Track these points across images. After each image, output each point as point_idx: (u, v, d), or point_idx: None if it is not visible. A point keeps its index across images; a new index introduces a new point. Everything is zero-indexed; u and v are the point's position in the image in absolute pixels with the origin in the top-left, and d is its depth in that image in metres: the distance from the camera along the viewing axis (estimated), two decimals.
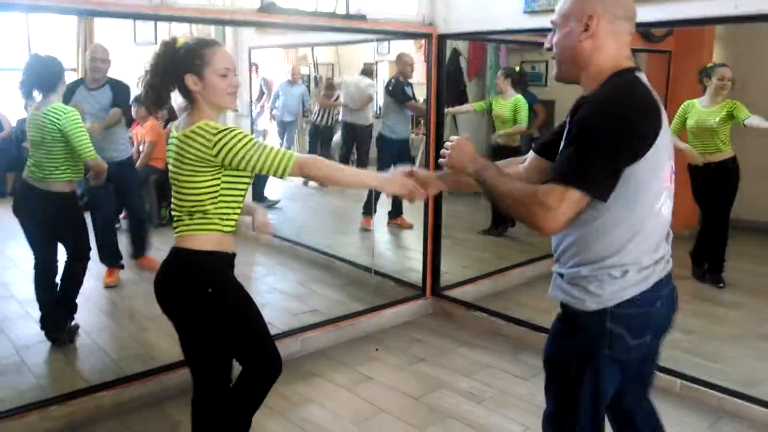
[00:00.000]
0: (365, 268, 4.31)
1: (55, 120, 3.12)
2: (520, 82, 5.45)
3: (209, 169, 1.86)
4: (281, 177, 1.86)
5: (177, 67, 1.89)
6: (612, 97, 1.46)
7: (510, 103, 5.23)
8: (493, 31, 3.69)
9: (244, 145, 1.82)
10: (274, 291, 4.34)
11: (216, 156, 1.82)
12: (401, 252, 5.29)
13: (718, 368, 3.12)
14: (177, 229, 1.96)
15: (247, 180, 1.95)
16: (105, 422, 2.73)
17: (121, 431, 2.68)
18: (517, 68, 5.71)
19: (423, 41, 4.00)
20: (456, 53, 6.29)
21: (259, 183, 5.82)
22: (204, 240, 1.93)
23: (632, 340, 1.56)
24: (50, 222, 3.27)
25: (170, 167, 1.94)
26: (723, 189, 4.19)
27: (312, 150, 6.93)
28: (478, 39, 5.20)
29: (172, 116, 6.02)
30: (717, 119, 4.07)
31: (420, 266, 4.02)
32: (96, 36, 7.03)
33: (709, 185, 4.20)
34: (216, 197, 1.89)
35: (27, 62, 3.25)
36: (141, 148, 5.54)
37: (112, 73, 4.10)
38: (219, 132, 1.83)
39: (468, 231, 5.41)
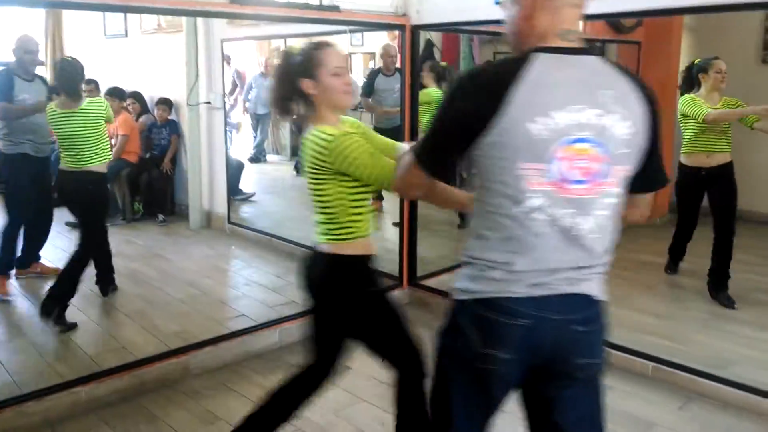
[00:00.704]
0: None
1: (101, 111, 3.65)
2: (444, 77, 5.45)
3: (330, 176, 1.85)
4: (387, 190, 1.84)
5: (293, 74, 1.89)
6: (461, 74, 1.42)
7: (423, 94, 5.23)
8: (465, 22, 3.71)
9: (357, 152, 1.79)
10: (251, 283, 4.33)
11: (332, 163, 1.81)
12: (378, 242, 5.29)
13: (687, 351, 3.19)
14: (321, 235, 1.95)
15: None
16: (81, 417, 2.71)
17: (98, 426, 2.67)
18: (444, 64, 5.74)
19: (397, 32, 4.01)
20: (430, 44, 6.30)
21: (234, 175, 5.78)
22: (348, 246, 1.94)
23: (482, 347, 1.37)
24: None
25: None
26: (729, 195, 3.86)
27: (299, 144, 6.88)
28: (451, 30, 5.21)
29: (144, 110, 5.97)
30: None
31: (397, 256, 4.04)
32: (65, 29, 6.91)
33: (714, 190, 3.89)
34: (344, 204, 1.88)
35: (61, 66, 3.75)
36: (114, 141, 5.47)
37: (86, 66, 4.03)
38: (334, 139, 1.81)
39: (445, 221, 5.44)
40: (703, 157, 3.89)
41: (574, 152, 1.29)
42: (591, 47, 1.37)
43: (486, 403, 1.45)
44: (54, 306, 3.47)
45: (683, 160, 4.00)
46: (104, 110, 3.68)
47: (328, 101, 1.91)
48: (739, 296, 3.79)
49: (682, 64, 5.59)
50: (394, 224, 5.18)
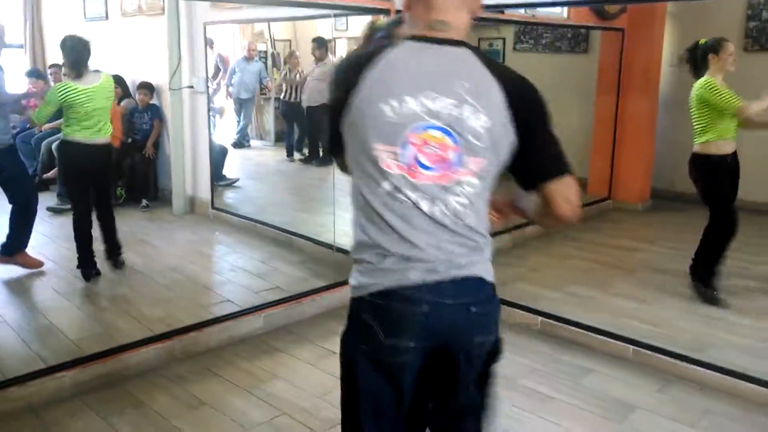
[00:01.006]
0: (327, 245, 4.32)
1: (112, 87, 4.04)
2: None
3: None
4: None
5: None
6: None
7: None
8: None
9: None
10: (236, 269, 4.32)
11: None
12: None
13: (667, 335, 3.25)
14: None
15: None
16: (66, 403, 2.70)
17: (83, 411, 2.66)
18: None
19: (382, 17, 4.00)
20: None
21: (218, 161, 5.75)
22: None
23: (386, 338, 1.38)
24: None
25: None
26: (736, 182, 3.69)
27: (290, 131, 6.87)
28: None
29: (125, 94, 5.89)
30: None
31: None
32: (44, 11, 6.80)
33: (733, 178, 3.68)
34: None
35: (71, 44, 3.82)
36: None
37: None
38: None
39: None
40: (729, 144, 3.59)
41: (426, 139, 1.32)
42: (459, 40, 1.36)
43: (396, 400, 1.43)
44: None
45: (710, 149, 3.59)
46: (112, 87, 4.05)
47: None
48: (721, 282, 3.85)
49: (665, 51, 5.65)
50: None
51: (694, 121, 3.64)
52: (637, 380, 2.94)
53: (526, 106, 1.35)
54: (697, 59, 3.66)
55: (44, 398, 2.69)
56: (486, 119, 1.31)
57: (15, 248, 3.94)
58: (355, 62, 1.37)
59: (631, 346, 3.12)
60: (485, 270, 1.41)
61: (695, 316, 3.55)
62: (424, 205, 1.34)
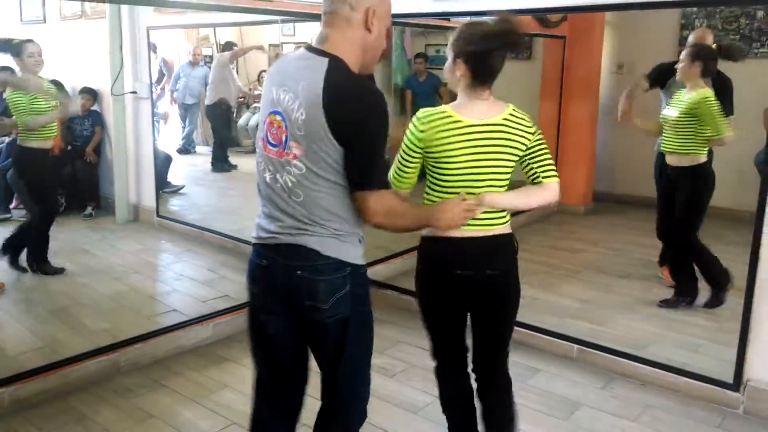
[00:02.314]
0: None
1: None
2: None
3: None
4: None
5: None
6: None
7: None
8: (398, 14, 3.73)
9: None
10: (182, 278, 4.25)
11: None
12: None
13: (610, 333, 3.35)
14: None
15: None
16: (6, 420, 2.61)
17: (24, 428, 2.57)
18: None
19: None
20: None
21: (162, 167, 5.63)
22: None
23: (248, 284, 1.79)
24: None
25: None
26: None
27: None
28: None
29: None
30: None
31: None
32: None
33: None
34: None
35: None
36: None
37: None
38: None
39: None
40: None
41: (272, 120, 1.65)
42: (327, 51, 1.61)
43: (265, 344, 1.79)
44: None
45: (706, 157, 3.51)
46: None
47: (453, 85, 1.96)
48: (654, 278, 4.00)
49: (604, 58, 5.83)
50: None
51: (680, 130, 3.48)
52: (582, 378, 3.03)
53: (340, 108, 1.55)
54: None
55: None
56: (303, 114, 1.57)
57: None
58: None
59: (576, 345, 3.21)
60: (323, 245, 1.63)
61: (637, 315, 3.67)
62: (268, 176, 1.67)
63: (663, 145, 3.59)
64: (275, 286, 1.68)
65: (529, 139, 1.91)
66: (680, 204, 3.56)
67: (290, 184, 1.62)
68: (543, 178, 1.94)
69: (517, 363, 3.16)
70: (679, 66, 3.46)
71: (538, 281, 4.17)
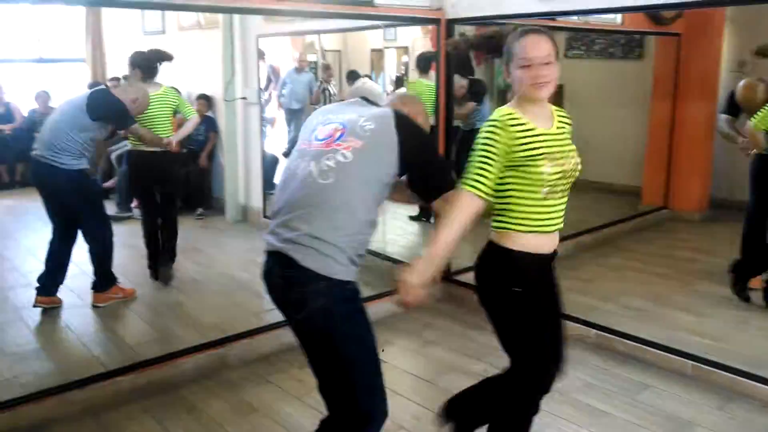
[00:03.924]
0: (375, 254, 4.33)
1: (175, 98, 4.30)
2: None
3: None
4: None
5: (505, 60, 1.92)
6: None
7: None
8: (503, 16, 3.68)
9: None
10: None
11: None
12: (411, 238, 5.31)
13: (728, 350, 3.13)
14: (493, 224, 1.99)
15: (537, 180, 1.85)
16: (123, 407, 2.78)
17: (140, 415, 2.73)
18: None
19: (431, 27, 4.00)
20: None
21: (269, 170, 5.84)
22: (507, 238, 1.94)
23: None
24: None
25: None
26: None
27: None
28: (487, 24, 5.19)
29: None
30: None
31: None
32: (104, 26, 7.05)
33: None
34: (506, 195, 1.91)
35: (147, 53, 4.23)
36: None
37: (124, 63, 4.17)
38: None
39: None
40: None
41: (326, 126, 1.85)
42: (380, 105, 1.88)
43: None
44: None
45: None
46: (178, 98, 4.30)
47: (517, 91, 1.91)
48: None
49: (724, 57, 5.47)
50: (411, 218, 5.18)
51: None
52: (696, 397, 2.85)
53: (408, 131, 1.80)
54: None
55: (103, 402, 2.78)
56: (372, 122, 1.77)
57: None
58: None
59: (690, 362, 3.02)
60: (304, 258, 1.72)
61: (757, 330, 3.41)
62: (298, 165, 1.82)
63: None
64: (270, 285, 1.86)
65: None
66: None
67: (325, 168, 1.72)
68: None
69: (624, 377, 3.02)
70: None
71: (648, 292, 3.97)
